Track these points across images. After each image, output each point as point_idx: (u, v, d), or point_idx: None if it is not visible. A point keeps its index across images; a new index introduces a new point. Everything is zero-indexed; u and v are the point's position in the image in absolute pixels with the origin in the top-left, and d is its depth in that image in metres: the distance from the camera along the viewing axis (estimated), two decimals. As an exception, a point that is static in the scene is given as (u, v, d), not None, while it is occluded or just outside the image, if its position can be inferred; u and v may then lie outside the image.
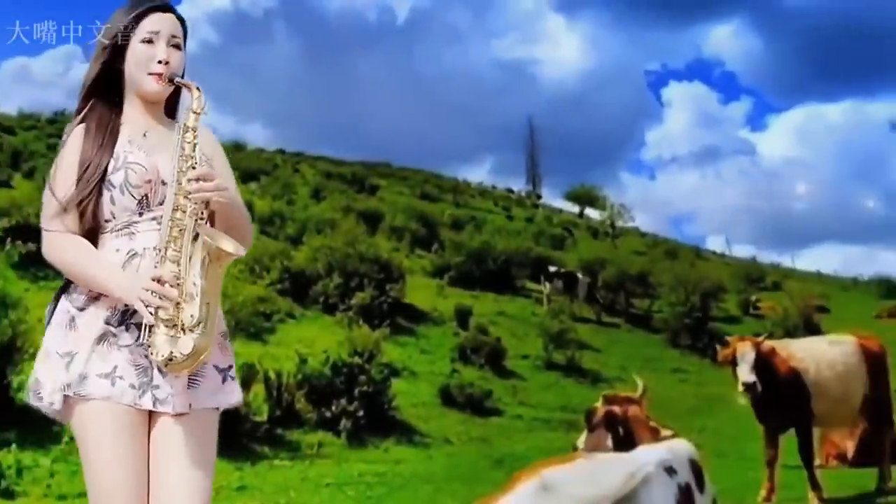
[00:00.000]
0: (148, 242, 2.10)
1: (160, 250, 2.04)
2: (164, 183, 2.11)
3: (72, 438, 7.29)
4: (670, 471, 3.33)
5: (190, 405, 2.12)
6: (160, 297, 1.99)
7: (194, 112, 2.09)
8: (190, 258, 2.02)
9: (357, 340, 10.24)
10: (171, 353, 2.00)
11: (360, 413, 9.32)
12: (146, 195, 2.11)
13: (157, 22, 2.15)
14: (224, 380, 2.18)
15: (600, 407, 4.57)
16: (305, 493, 7.10)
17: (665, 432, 4.26)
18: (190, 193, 2.03)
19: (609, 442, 4.38)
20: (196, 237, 2.03)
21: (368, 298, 14.19)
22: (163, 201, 2.11)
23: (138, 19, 2.15)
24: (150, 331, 2.02)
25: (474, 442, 10.27)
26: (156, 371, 2.08)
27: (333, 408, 9.21)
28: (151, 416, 2.12)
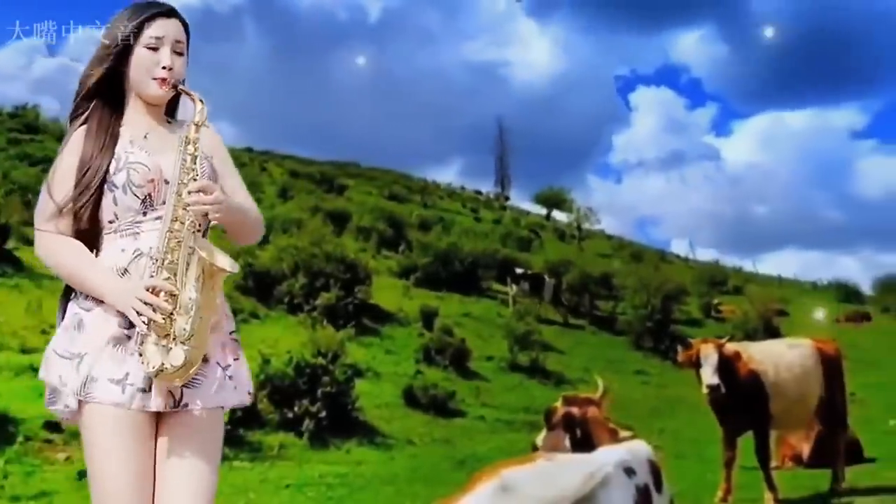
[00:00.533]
0: (153, 242, 2.10)
1: (156, 260, 2.05)
2: (167, 182, 2.11)
3: (27, 438, 7.20)
4: (629, 471, 3.37)
5: (198, 402, 2.12)
6: (153, 309, 2.00)
7: (196, 124, 2.11)
8: (186, 271, 2.03)
9: (321, 341, 10.20)
10: (163, 363, 2.00)
11: (323, 414, 9.29)
12: (149, 194, 2.12)
13: (161, 27, 2.16)
14: (226, 379, 2.18)
15: (560, 407, 4.60)
16: (265, 495, 7.06)
17: (624, 433, 4.30)
18: (189, 206, 2.04)
19: (567, 442, 4.41)
20: (193, 251, 2.04)
21: (334, 299, 14.15)
22: (166, 201, 2.11)
23: (143, 23, 2.16)
24: (142, 340, 2.03)
25: (437, 443, 10.28)
26: None
27: (296, 409, 9.17)
28: (159, 415, 2.13)
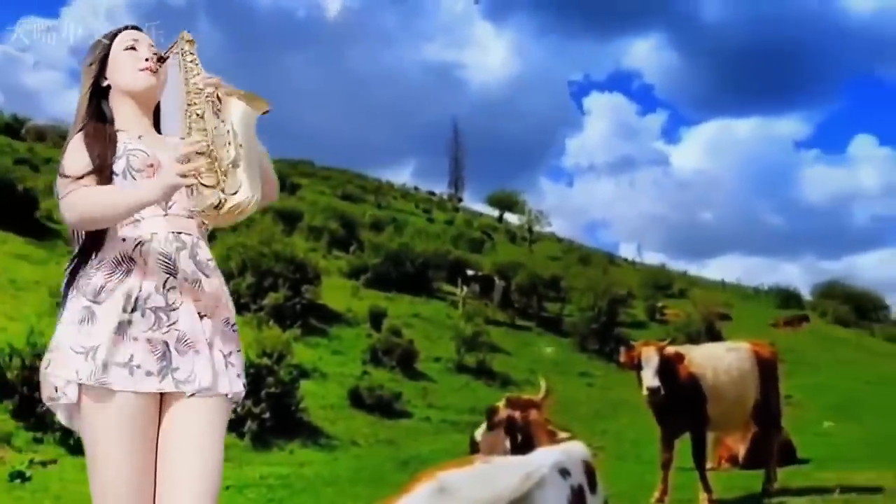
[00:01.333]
0: (153, 228, 2.15)
1: (184, 136, 2.09)
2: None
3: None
4: (564, 473, 3.44)
5: (197, 386, 2.13)
6: (195, 162, 2.02)
7: (188, 41, 2.21)
8: (215, 127, 2.07)
9: (266, 341, 10.15)
10: (220, 198, 2.03)
11: (267, 415, 9.25)
12: (149, 179, 2.15)
13: (133, 34, 2.34)
14: (226, 366, 2.21)
15: (502, 408, 4.65)
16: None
17: (562, 435, 4.37)
18: (201, 90, 2.11)
19: (507, 444, 4.47)
20: (216, 104, 2.10)
21: (281, 299, 14.06)
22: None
23: (116, 35, 2.33)
24: (194, 195, 2.05)
25: (381, 444, 10.30)
26: (174, 353, 2.12)
27: (238, 409, 9.10)
28: (163, 399, 2.15)
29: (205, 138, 2.05)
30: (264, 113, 2.14)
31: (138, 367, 2.09)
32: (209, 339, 2.17)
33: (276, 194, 2.37)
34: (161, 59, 2.28)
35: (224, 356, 2.20)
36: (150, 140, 2.26)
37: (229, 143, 2.04)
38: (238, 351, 2.26)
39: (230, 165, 2.03)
